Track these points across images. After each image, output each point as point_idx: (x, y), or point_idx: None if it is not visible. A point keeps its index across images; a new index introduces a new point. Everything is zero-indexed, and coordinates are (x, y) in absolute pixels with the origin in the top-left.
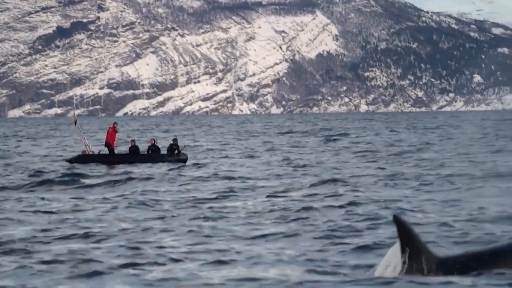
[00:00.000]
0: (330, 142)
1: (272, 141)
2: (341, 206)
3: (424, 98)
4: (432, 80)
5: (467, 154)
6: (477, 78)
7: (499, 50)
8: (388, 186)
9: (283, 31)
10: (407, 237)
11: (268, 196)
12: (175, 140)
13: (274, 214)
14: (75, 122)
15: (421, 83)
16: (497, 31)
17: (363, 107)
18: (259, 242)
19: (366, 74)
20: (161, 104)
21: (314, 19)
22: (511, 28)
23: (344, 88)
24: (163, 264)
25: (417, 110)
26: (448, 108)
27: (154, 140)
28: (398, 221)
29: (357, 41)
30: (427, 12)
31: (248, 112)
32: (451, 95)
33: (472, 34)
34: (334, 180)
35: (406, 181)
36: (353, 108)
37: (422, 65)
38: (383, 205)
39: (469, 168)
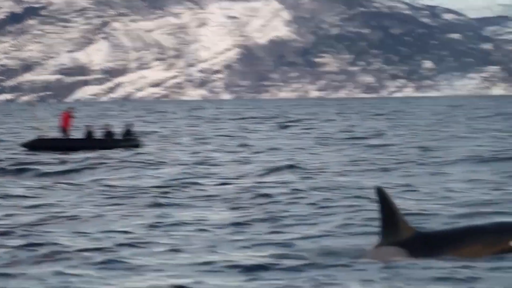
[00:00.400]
0: (284, 129)
1: (225, 127)
2: (295, 191)
3: (375, 84)
4: (383, 66)
5: (419, 140)
6: (428, 64)
7: (451, 36)
8: (344, 172)
9: (235, 17)
10: (388, 209)
11: (222, 184)
12: (129, 125)
13: (228, 199)
14: (33, 107)
15: (372, 69)
16: (449, 16)
17: (314, 93)
18: (212, 229)
19: (317, 60)
20: (112, 90)
21: (266, 5)
22: (463, 14)
23: (295, 74)
24: (116, 251)
25: (368, 96)
26: (398, 94)
27: (108, 126)
28: (380, 193)
29: (309, 27)
30: None
31: (199, 98)
32: (402, 81)
33: (424, 19)
34: (291, 166)
35: (360, 167)
36: (304, 94)
37: (373, 51)
38: (339, 191)
39: (422, 153)
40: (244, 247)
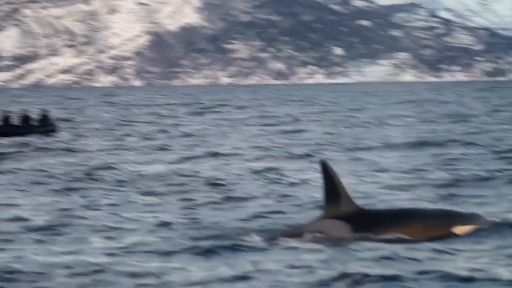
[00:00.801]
0: (200, 115)
1: (140, 113)
2: (218, 181)
3: (286, 71)
4: (294, 53)
5: (336, 126)
6: (338, 50)
7: (361, 22)
8: (268, 157)
9: (145, 4)
10: (331, 182)
11: (135, 170)
12: (45, 111)
13: (148, 184)
14: None
15: (282, 55)
16: (358, 3)
17: (225, 80)
18: (131, 212)
19: (228, 46)
20: (23, 76)
21: None
22: (373, 1)
23: (206, 60)
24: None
25: (279, 82)
26: (309, 81)
27: (25, 111)
28: (324, 166)
29: (220, 14)
30: None
31: (110, 85)
32: (312, 67)
33: (334, 7)
34: (215, 154)
35: (273, 152)
36: (215, 81)
37: (284, 38)
38: (257, 176)
39: (337, 138)
40: (166, 237)
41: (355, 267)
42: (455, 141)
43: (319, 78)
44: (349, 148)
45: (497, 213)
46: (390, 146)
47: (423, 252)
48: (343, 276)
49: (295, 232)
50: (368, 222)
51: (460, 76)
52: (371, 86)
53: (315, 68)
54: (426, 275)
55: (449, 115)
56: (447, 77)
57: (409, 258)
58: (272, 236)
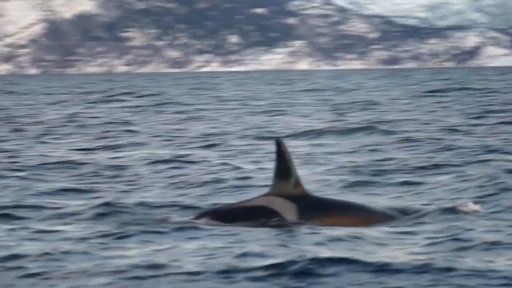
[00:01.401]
0: (107, 103)
1: (40, 100)
2: (127, 168)
3: (182, 59)
4: (190, 40)
5: (240, 115)
6: (234, 38)
7: (256, 10)
8: (176, 145)
9: None
10: (284, 160)
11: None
12: None
13: (54, 172)
14: None
15: (178, 43)
16: None
17: (121, 68)
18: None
19: (124, 34)
20: None
21: None
22: None
23: (102, 48)
24: None
25: (175, 70)
26: (205, 69)
27: None
28: (279, 144)
29: (115, 2)
30: None
31: (5, 73)
32: (208, 55)
33: None
34: (132, 144)
35: (175, 141)
36: (111, 69)
37: (180, 25)
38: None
39: (242, 127)
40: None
41: (302, 249)
42: (364, 128)
43: (215, 66)
44: (256, 136)
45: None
46: (298, 135)
47: (367, 238)
48: (292, 258)
49: (230, 209)
50: (315, 206)
51: (356, 64)
52: (269, 74)
53: (211, 56)
54: (373, 258)
55: (353, 102)
56: (343, 65)
57: (356, 242)
58: (199, 215)
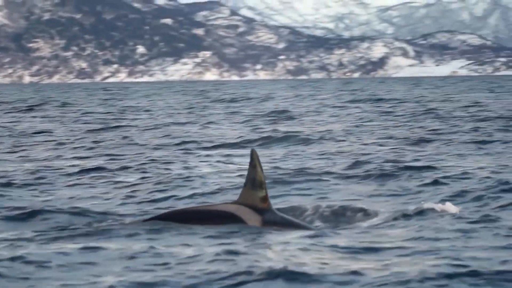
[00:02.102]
0: (28, 112)
1: None
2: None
3: (88, 69)
4: (96, 51)
5: (166, 125)
6: (141, 49)
7: (163, 21)
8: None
9: None
10: (255, 173)
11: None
12: None
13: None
14: None
15: (85, 54)
16: (161, 1)
17: (27, 79)
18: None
19: (30, 45)
20: None
21: None
22: None
23: (8, 59)
24: None
25: (82, 81)
26: (112, 79)
27: None
28: (253, 155)
29: (21, 12)
30: None
31: None
32: (115, 66)
33: (136, 5)
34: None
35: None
36: (18, 80)
37: (86, 36)
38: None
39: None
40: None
41: (256, 258)
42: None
43: (122, 76)
44: (178, 147)
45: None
46: (218, 146)
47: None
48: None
49: (193, 212)
50: (279, 221)
51: (263, 75)
52: (179, 84)
53: (118, 66)
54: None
55: (264, 113)
56: (250, 76)
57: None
58: (156, 216)
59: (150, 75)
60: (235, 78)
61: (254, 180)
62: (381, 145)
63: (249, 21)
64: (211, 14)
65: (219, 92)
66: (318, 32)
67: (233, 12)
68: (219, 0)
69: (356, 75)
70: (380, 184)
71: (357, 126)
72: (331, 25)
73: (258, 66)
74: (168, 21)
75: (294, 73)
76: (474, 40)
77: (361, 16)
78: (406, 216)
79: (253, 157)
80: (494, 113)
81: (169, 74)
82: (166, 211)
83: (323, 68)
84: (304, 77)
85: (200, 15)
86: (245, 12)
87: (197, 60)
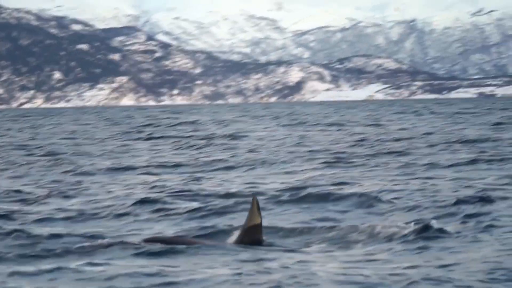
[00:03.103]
0: None
1: None
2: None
3: (5, 95)
4: (13, 77)
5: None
6: (57, 75)
7: (79, 46)
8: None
9: None
10: (254, 219)
11: None
12: None
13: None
14: None
15: (1, 80)
16: (77, 27)
17: None
18: None
19: None
20: None
21: None
22: (91, 25)
23: None
24: None
25: None
26: (28, 105)
27: None
28: (254, 201)
29: None
30: (7, 8)
31: None
32: (32, 92)
33: (52, 30)
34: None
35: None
36: None
37: (2, 62)
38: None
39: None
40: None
41: None
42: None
43: (39, 102)
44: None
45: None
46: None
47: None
48: None
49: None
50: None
51: (180, 100)
52: (94, 109)
53: (35, 92)
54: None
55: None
56: (167, 101)
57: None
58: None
59: (67, 101)
60: (152, 103)
61: (252, 225)
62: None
63: (165, 46)
64: (127, 39)
65: (146, 116)
66: (235, 57)
67: (150, 37)
68: (135, 25)
69: (273, 99)
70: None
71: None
72: (247, 50)
73: (175, 91)
74: (84, 46)
75: (211, 98)
76: (390, 64)
77: (278, 40)
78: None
79: (254, 204)
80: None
81: (86, 99)
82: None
83: (240, 92)
84: (221, 101)
85: (117, 41)
86: (161, 37)
87: (114, 85)
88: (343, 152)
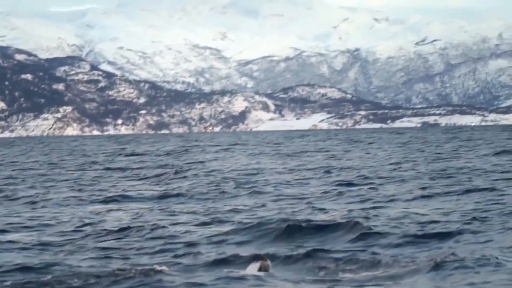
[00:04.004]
0: None
1: None
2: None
3: None
4: None
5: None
6: (1, 104)
7: (23, 76)
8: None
9: None
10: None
11: None
12: None
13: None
14: None
15: None
16: (20, 57)
17: None
18: None
19: None
20: None
21: None
22: (34, 54)
23: None
24: None
25: None
26: None
27: None
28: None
29: None
30: None
31: None
32: None
33: None
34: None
35: None
36: None
37: None
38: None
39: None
40: None
41: None
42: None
43: None
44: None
45: None
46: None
47: None
48: None
49: None
50: None
51: (124, 130)
52: (40, 140)
53: None
54: None
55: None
56: (111, 131)
57: None
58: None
59: (11, 131)
60: (96, 133)
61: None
62: None
63: (109, 76)
64: (72, 69)
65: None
66: (179, 87)
67: (94, 67)
68: (79, 55)
69: (217, 129)
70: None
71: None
72: (191, 80)
73: (119, 121)
74: (28, 76)
75: (155, 128)
76: (334, 94)
77: (222, 70)
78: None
79: (263, 262)
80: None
81: (30, 129)
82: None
83: (184, 122)
84: (165, 131)
85: (61, 70)
86: (105, 67)
87: (58, 115)
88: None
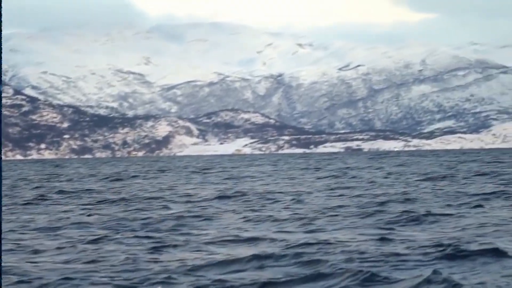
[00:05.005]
0: None
1: None
2: None
3: None
4: None
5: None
6: None
7: None
8: None
9: None
10: None
11: None
12: None
13: None
14: None
15: None
16: None
17: None
18: None
19: None
20: None
21: None
22: None
23: None
24: None
25: None
26: None
27: None
28: None
29: None
30: None
31: None
32: None
33: None
34: None
35: None
36: None
37: None
38: None
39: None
40: None
41: None
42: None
43: None
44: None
45: None
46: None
47: None
48: None
49: None
50: None
51: (48, 154)
52: None
53: None
54: None
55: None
56: (35, 155)
57: None
58: None
59: None
60: (19, 157)
61: None
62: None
63: (33, 100)
64: None
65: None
66: (102, 111)
67: (17, 91)
68: (3, 80)
69: (140, 153)
70: None
71: None
72: (115, 104)
73: (43, 146)
74: None
75: (78, 152)
76: (258, 119)
77: (145, 95)
78: None
79: None
80: None
81: None
82: None
83: (107, 147)
84: (88, 156)
85: None
86: (29, 91)
87: None
88: None
